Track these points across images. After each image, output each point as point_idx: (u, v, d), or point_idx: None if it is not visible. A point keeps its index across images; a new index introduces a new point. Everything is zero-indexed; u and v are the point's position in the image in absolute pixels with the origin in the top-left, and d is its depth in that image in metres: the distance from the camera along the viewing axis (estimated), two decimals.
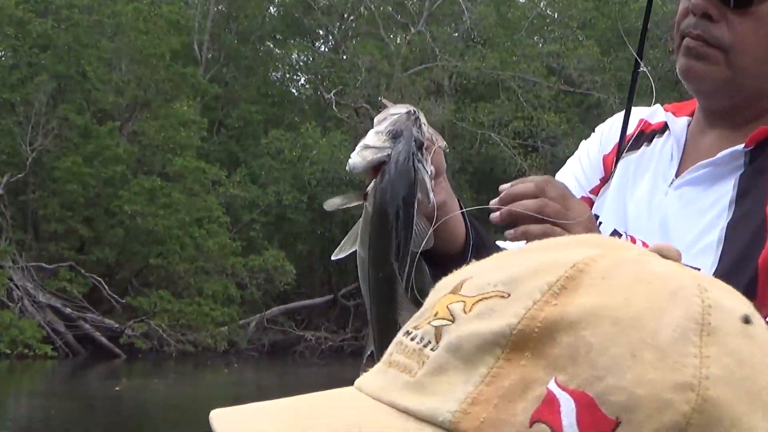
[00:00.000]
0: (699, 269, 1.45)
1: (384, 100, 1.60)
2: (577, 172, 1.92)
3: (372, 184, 1.49)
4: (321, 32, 37.75)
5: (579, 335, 0.65)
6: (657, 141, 1.83)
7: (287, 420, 0.68)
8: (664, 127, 1.84)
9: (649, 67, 1.88)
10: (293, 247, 34.33)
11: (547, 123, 31.77)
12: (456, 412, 0.66)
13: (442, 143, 1.57)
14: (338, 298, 34.05)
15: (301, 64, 38.84)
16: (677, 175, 1.75)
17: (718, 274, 1.55)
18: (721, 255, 1.61)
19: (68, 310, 26.99)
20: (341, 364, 31.40)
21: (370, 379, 0.73)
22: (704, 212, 1.66)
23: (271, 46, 38.53)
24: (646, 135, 1.85)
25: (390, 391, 0.69)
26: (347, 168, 1.50)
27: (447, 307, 0.70)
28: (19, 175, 28.15)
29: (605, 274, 0.68)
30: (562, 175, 1.92)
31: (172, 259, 28.87)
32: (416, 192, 1.47)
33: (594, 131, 1.99)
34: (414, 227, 1.48)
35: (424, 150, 1.48)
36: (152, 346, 27.72)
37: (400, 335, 0.73)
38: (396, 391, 0.69)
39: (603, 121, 1.99)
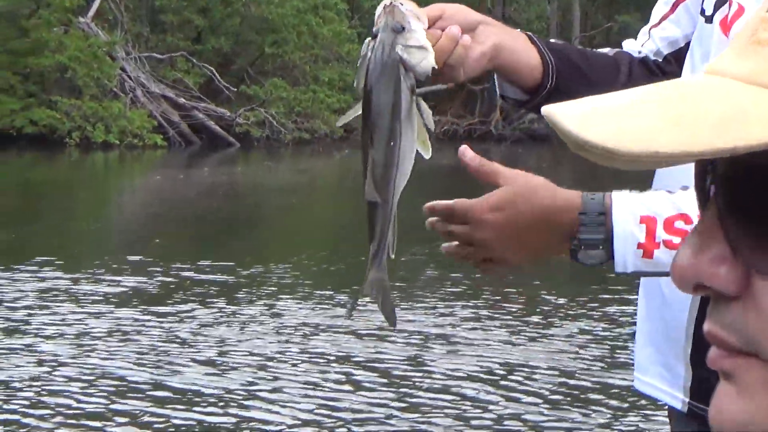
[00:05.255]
0: None
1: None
2: None
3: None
4: None
5: None
6: None
7: (661, 110, 0.56)
8: None
9: None
10: None
11: None
12: None
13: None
14: (465, 83, 33.46)
15: None
16: None
17: None
18: None
19: (182, 100, 27.47)
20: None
21: (732, 63, 0.59)
22: None
23: None
24: None
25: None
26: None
27: None
28: None
29: None
30: None
31: (287, 48, 28.84)
32: (400, 75, 1.43)
33: None
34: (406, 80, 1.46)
35: (407, 31, 1.44)
36: (267, 134, 28.05)
37: (762, 12, 0.60)
38: None
39: None
